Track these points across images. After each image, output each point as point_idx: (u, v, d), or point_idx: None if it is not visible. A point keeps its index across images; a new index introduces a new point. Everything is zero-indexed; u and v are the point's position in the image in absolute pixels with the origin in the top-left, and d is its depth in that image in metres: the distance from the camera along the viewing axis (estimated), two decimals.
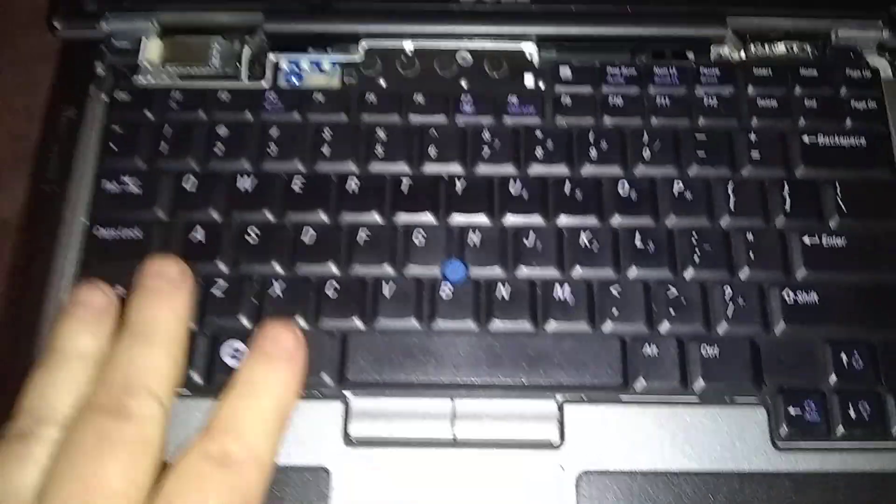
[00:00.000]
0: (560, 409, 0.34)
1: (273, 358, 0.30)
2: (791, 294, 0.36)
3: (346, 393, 0.34)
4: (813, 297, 0.36)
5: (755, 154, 0.38)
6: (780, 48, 0.41)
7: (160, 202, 0.37)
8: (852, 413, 0.34)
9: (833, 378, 0.34)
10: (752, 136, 0.38)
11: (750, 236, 0.37)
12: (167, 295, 0.30)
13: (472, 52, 0.40)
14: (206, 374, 0.34)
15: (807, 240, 0.37)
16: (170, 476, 0.27)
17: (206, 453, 0.27)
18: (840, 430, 0.34)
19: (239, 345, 0.34)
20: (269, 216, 0.37)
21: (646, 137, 0.38)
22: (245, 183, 0.37)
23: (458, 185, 0.37)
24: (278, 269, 0.36)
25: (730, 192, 0.37)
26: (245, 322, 0.35)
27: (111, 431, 0.27)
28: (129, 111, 0.39)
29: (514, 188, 0.37)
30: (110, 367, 0.29)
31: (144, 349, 0.29)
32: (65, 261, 0.36)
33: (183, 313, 0.30)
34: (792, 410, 0.34)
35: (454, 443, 0.34)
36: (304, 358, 0.31)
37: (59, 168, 0.37)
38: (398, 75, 0.40)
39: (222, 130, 0.38)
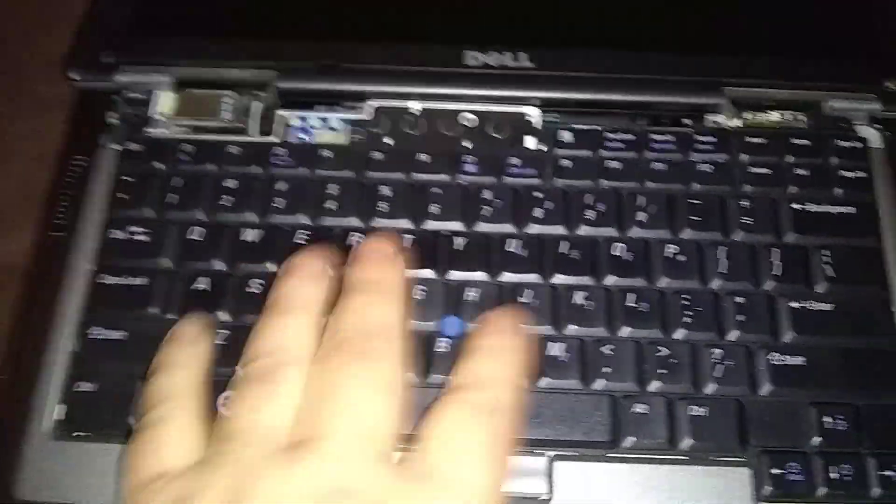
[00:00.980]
0: (550, 464, 0.35)
1: (512, 333, 0.31)
2: (778, 356, 0.36)
3: None
4: (799, 359, 0.37)
5: (746, 219, 0.39)
6: (774, 116, 0.43)
7: (166, 251, 0.38)
8: (835, 475, 0.34)
9: (817, 439, 0.35)
10: (744, 202, 0.40)
11: (739, 299, 0.38)
12: (390, 260, 0.31)
13: (476, 113, 0.42)
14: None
15: (794, 304, 0.38)
16: (429, 422, 0.28)
17: (467, 400, 0.28)
18: (822, 491, 0.34)
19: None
20: (273, 267, 0.38)
21: (641, 200, 0.39)
22: (250, 235, 0.38)
23: (458, 242, 0.38)
24: None
25: (721, 255, 0.38)
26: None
27: (359, 371, 0.28)
28: (140, 161, 0.40)
29: (513, 246, 0.38)
30: (347, 314, 0.29)
31: (376, 300, 0.30)
32: (69, 307, 0.37)
33: (405, 279, 0.31)
34: (775, 471, 0.34)
35: None
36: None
37: (67, 215, 0.38)
38: (404, 134, 0.41)
39: (230, 183, 0.39)
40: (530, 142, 0.41)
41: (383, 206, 0.39)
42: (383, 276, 0.31)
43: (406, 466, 0.27)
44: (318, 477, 0.26)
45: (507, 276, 0.38)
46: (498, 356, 0.30)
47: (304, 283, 0.31)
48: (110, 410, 0.35)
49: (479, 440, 0.27)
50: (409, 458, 0.27)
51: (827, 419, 0.35)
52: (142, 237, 0.38)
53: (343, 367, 0.28)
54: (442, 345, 0.36)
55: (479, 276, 0.38)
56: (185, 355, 0.31)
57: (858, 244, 0.39)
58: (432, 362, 0.36)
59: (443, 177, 0.40)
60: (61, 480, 0.34)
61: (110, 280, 0.37)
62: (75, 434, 0.35)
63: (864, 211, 0.40)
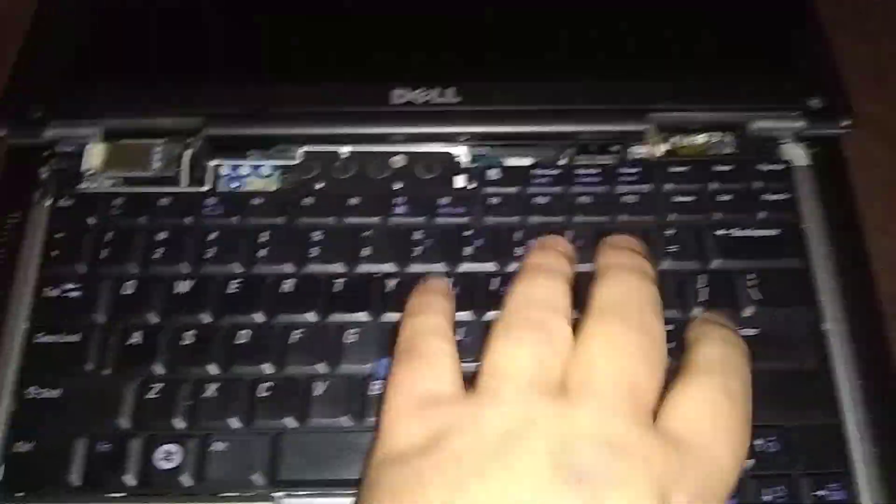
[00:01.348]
0: None
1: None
2: None
3: (275, 494, 0.35)
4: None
5: (672, 248, 0.40)
6: (701, 139, 0.44)
7: (99, 306, 0.38)
8: (768, 497, 0.35)
9: (748, 462, 0.35)
10: (670, 231, 0.40)
11: (667, 327, 0.38)
12: (641, 251, 0.35)
13: (405, 153, 0.42)
14: (141, 478, 0.35)
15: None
16: (681, 396, 0.30)
17: (719, 386, 0.30)
18: None
19: (171, 447, 0.36)
20: (207, 318, 0.38)
21: (569, 235, 0.40)
22: (183, 286, 0.39)
23: (391, 284, 0.39)
24: (214, 370, 0.37)
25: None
26: (180, 423, 0.36)
27: (635, 338, 0.30)
28: (72, 217, 0.40)
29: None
30: (615, 286, 0.32)
31: (640, 278, 0.32)
32: (5, 367, 0.37)
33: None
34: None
35: None
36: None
37: (1, 274, 0.39)
38: (334, 179, 0.42)
39: (162, 235, 0.40)
40: (460, 181, 0.42)
41: (315, 251, 0.39)
42: (641, 262, 0.34)
43: (662, 432, 0.29)
44: (595, 425, 0.28)
45: None
46: (737, 343, 0.33)
47: (559, 257, 0.34)
48: (49, 469, 0.35)
49: (731, 425, 0.30)
50: (663, 426, 0.29)
51: (758, 442, 0.36)
52: (75, 293, 0.38)
53: (622, 333, 0.30)
54: (376, 386, 0.37)
55: None
56: (441, 304, 0.34)
57: (785, 265, 0.40)
58: (367, 406, 0.36)
59: (374, 219, 0.40)
60: None
61: (45, 339, 0.38)
62: (15, 495, 0.35)
63: (790, 232, 0.41)
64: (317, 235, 0.40)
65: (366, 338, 0.38)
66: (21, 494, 0.35)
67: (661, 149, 0.43)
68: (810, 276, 0.40)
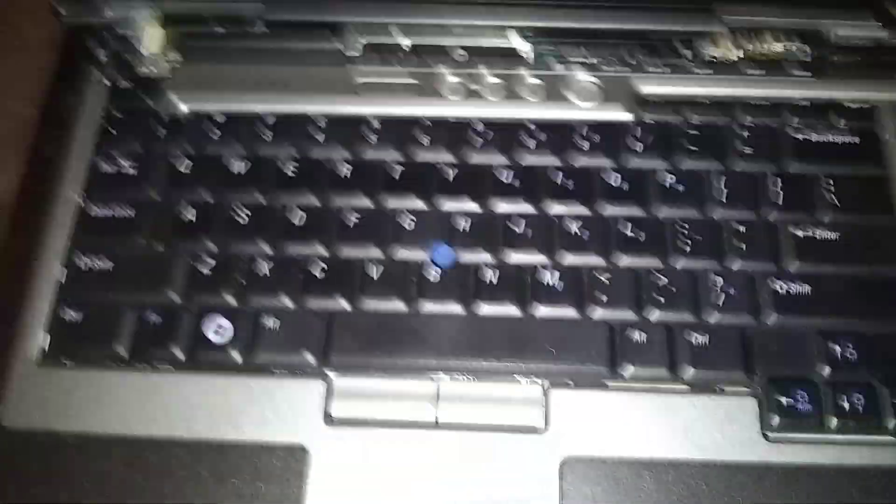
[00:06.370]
0: (545, 394, 0.34)
1: None
2: (783, 284, 0.35)
3: (329, 372, 0.34)
4: (805, 288, 0.35)
5: (746, 149, 0.38)
6: (778, 47, 0.41)
7: (155, 184, 0.37)
8: (845, 405, 0.33)
9: (826, 369, 0.34)
10: (745, 133, 0.39)
11: (741, 228, 0.36)
12: None
13: (464, 47, 0.41)
14: (189, 351, 0.34)
15: (799, 232, 0.36)
16: None
17: None
18: (832, 421, 0.33)
19: (222, 321, 0.34)
20: (260, 198, 0.37)
21: (636, 131, 0.38)
22: (238, 166, 0.38)
23: (450, 173, 0.38)
24: (266, 248, 0.36)
25: (720, 184, 0.37)
26: (231, 300, 0.35)
27: None
28: (129, 97, 0.40)
29: (505, 176, 0.38)
30: None
31: None
32: (56, 237, 0.37)
33: None
34: (783, 401, 0.33)
35: (436, 425, 0.33)
36: None
37: (56, 149, 0.38)
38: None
39: (220, 117, 0.39)
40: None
41: (373, 138, 0.38)
42: None
43: None
44: None
45: (500, 206, 0.37)
46: None
47: None
48: (97, 339, 0.34)
49: None
50: None
51: (835, 348, 0.34)
52: (131, 170, 0.38)
53: None
54: (433, 273, 0.35)
55: (471, 205, 0.37)
56: None
57: (863, 173, 0.38)
58: (423, 291, 0.35)
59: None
60: (46, 408, 0.34)
61: (99, 212, 0.37)
62: (61, 362, 0.34)
63: (868, 140, 0.39)
64: (374, 123, 0.39)
65: (421, 225, 0.36)
66: (67, 363, 0.34)
67: (734, 53, 0.41)
68: (888, 183, 0.38)
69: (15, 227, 0.37)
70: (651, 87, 0.40)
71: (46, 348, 0.35)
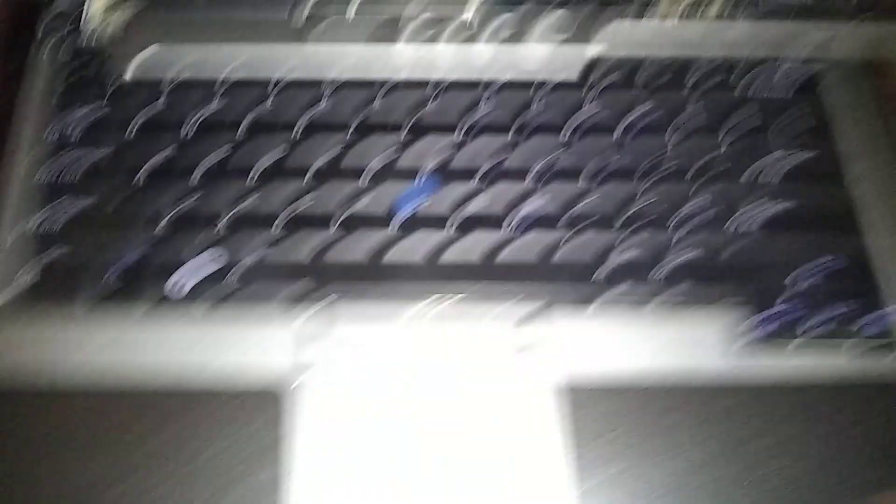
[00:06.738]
0: (534, 315, 0.34)
1: None
2: (763, 202, 0.36)
3: (302, 315, 0.34)
4: (785, 204, 0.36)
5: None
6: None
7: (104, 145, 0.37)
8: (827, 315, 0.34)
9: (803, 284, 0.35)
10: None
11: (723, 148, 0.37)
12: None
13: None
14: (155, 303, 0.34)
15: (781, 152, 0.37)
16: None
17: None
18: (817, 330, 0.34)
19: (209, 254, 0.35)
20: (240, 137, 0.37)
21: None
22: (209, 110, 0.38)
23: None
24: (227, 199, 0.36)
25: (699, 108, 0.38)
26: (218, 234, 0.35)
27: None
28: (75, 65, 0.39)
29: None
30: None
31: None
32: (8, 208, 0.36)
33: None
34: (763, 315, 0.34)
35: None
36: None
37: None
38: None
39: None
40: None
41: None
42: None
43: None
44: None
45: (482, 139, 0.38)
46: None
47: None
48: (82, 276, 0.34)
49: None
50: None
51: (813, 264, 0.35)
52: (104, 111, 0.37)
53: None
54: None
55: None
56: None
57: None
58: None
59: None
60: (9, 363, 0.33)
61: (74, 153, 0.36)
62: (47, 301, 0.34)
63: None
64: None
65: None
66: (53, 300, 0.34)
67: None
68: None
69: None
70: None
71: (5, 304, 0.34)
